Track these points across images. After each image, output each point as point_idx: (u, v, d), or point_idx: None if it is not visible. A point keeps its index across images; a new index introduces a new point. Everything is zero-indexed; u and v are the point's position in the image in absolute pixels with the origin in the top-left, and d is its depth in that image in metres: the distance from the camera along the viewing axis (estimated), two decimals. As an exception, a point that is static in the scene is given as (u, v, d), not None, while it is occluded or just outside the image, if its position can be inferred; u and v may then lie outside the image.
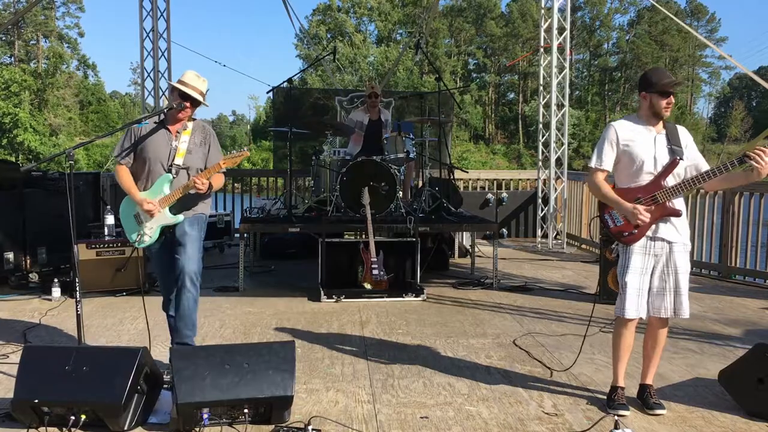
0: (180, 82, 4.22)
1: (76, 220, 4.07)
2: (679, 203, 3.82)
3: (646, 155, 3.76)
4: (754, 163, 3.53)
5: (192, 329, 4.36)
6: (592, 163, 3.89)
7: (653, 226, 3.78)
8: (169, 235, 4.27)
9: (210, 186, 4.20)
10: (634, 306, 3.78)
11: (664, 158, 3.76)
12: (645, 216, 3.71)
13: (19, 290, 7.03)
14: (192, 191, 4.16)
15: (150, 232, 4.21)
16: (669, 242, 3.80)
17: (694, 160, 3.82)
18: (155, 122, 4.28)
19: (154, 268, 4.41)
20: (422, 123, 8.21)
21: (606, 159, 3.85)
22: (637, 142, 3.78)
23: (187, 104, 4.18)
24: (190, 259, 4.22)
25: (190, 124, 4.27)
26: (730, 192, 7.83)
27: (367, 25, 62.51)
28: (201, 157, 4.28)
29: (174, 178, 4.19)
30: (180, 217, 4.21)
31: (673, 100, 3.81)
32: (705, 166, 3.80)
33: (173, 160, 4.19)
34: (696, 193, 8.26)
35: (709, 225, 8.20)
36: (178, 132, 4.24)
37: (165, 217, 4.20)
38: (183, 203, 4.23)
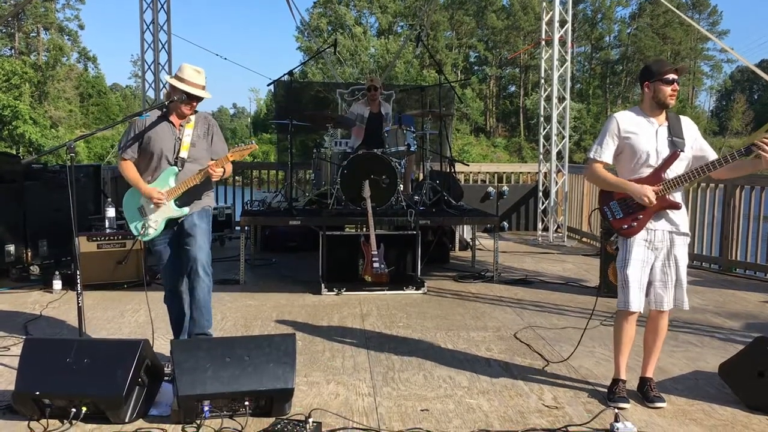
0: (178, 78, 4.17)
1: (77, 212, 4.08)
2: (678, 196, 3.81)
3: (647, 148, 3.75)
4: (762, 152, 3.52)
5: (209, 319, 4.36)
6: (591, 154, 3.88)
7: (653, 219, 3.77)
8: (177, 227, 4.28)
9: (224, 171, 4.20)
10: (637, 299, 3.77)
11: (665, 151, 3.75)
12: (652, 195, 3.69)
13: (20, 283, 7.05)
14: (202, 179, 4.17)
15: (155, 225, 4.22)
16: (669, 234, 3.80)
17: (701, 150, 3.80)
18: (157, 116, 4.27)
19: (157, 260, 4.41)
20: (423, 116, 8.19)
21: (606, 150, 3.83)
22: (639, 135, 3.77)
23: (194, 103, 4.19)
24: (201, 249, 4.24)
25: (192, 117, 4.28)
26: (731, 185, 7.82)
27: (368, 17, 62.35)
28: (205, 148, 4.29)
29: (179, 170, 4.20)
30: (185, 210, 4.22)
31: (678, 87, 3.78)
32: (712, 155, 3.77)
33: (178, 153, 4.20)
34: (697, 187, 8.25)
35: (709, 218, 8.19)
36: (181, 125, 4.24)
37: (170, 209, 4.21)
38: (188, 196, 4.24)
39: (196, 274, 4.24)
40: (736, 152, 3.64)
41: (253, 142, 4.30)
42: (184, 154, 4.20)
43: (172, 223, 4.27)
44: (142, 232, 4.25)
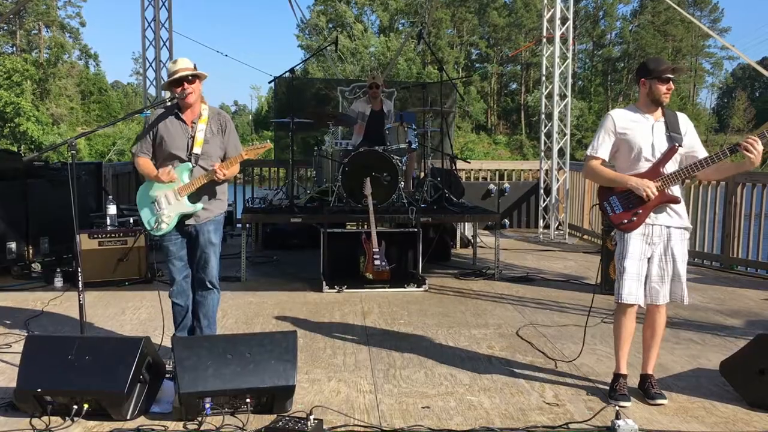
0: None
1: (78, 210, 4.08)
2: (677, 190, 3.83)
3: (644, 143, 3.79)
4: (747, 153, 3.55)
5: (215, 326, 4.56)
6: (588, 151, 3.94)
7: (652, 214, 3.79)
8: (193, 234, 4.32)
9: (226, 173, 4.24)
10: (633, 291, 3.79)
11: (663, 146, 3.78)
12: (652, 188, 3.69)
13: (21, 280, 7.05)
14: (208, 180, 4.20)
15: (168, 220, 4.22)
16: (667, 229, 3.81)
17: (692, 147, 3.84)
18: (164, 109, 4.28)
19: (165, 256, 4.39)
20: (424, 113, 8.19)
21: (601, 147, 3.87)
22: (635, 130, 3.81)
23: (185, 87, 4.16)
24: (214, 267, 4.40)
25: (205, 112, 4.28)
26: (732, 182, 7.82)
27: (369, 15, 62.24)
28: (219, 145, 4.30)
29: (193, 167, 4.22)
30: (199, 206, 4.23)
31: (673, 87, 3.82)
32: (703, 154, 3.81)
33: (191, 150, 4.22)
34: (698, 184, 8.24)
35: (711, 215, 8.19)
36: (193, 122, 4.25)
37: (184, 205, 4.22)
38: (201, 192, 4.26)
39: (207, 289, 4.41)
40: (720, 152, 3.66)
41: (267, 141, 4.35)
42: (197, 150, 4.23)
43: (184, 221, 4.27)
44: (155, 226, 4.24)
